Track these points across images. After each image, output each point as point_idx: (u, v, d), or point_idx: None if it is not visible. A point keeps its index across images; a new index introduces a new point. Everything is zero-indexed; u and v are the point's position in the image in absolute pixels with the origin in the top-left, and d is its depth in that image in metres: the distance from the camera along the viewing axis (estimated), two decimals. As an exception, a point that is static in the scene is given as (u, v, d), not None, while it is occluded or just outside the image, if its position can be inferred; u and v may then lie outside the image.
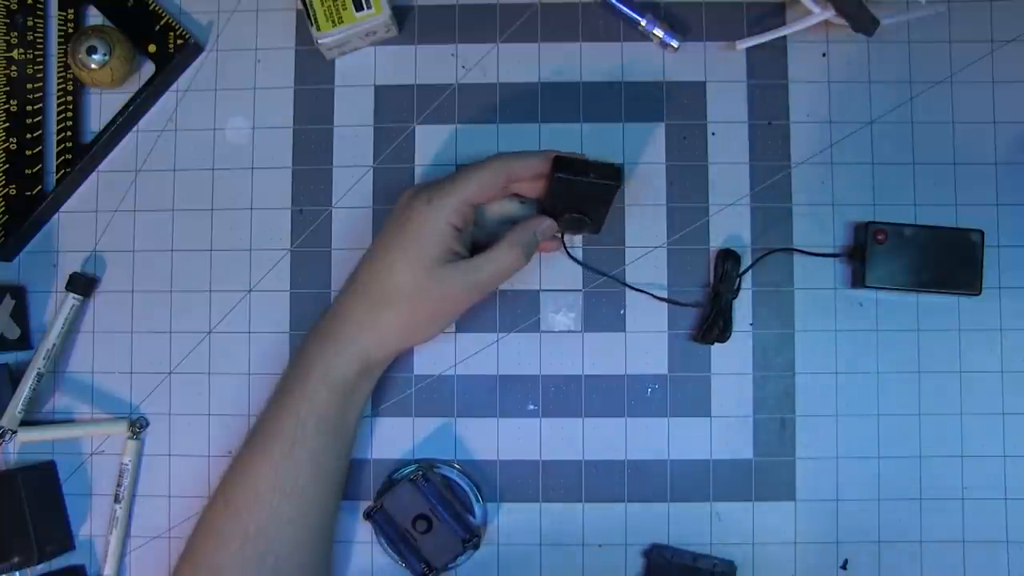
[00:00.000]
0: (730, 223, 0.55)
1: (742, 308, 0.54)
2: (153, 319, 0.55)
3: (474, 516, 0.53)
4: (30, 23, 0.56)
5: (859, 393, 0.54)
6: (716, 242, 0.55)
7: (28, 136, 0.55)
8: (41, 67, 0.56)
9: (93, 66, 0.52)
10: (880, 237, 0.52)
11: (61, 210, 0.56)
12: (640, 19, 0.54)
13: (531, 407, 0.54)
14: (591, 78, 0.56)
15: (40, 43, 0.56)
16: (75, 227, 0.56)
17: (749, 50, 0.55)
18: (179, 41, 0.55)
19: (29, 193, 0.55)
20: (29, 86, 0.55)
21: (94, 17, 0.56)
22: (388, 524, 0.51)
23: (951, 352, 0.54)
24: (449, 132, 0.56)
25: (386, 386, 0.54)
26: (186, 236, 0.56)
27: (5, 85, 0.55)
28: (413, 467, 0.53)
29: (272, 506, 0.47)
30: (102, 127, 0.55)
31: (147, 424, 0.55)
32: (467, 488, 0.53)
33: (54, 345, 0.54)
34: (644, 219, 0.55)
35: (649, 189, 0.55)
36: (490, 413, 0.54)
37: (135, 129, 0.56)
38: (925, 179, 0.55)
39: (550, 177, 0.48)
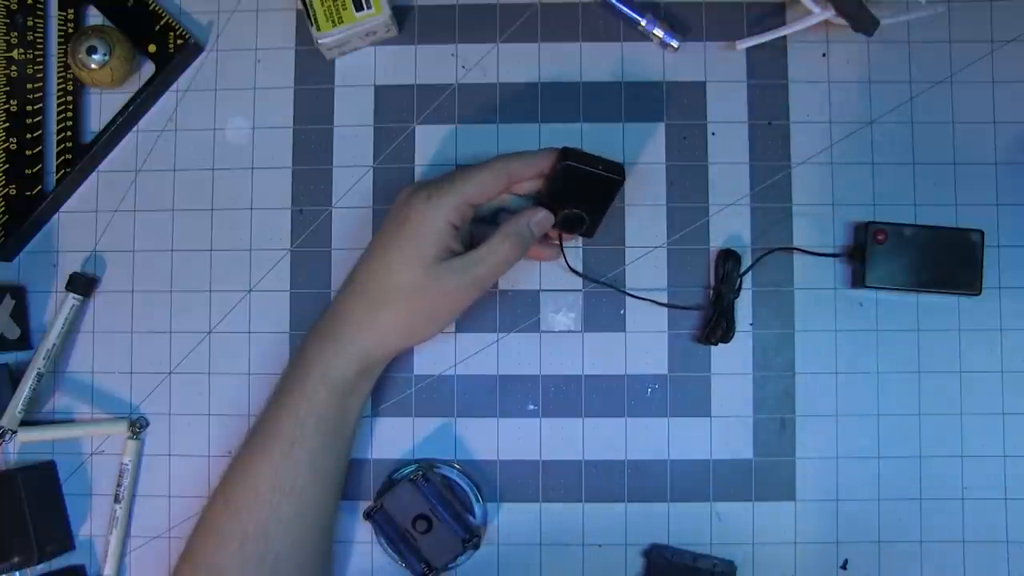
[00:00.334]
0: (730, 223, 0.55)
1: (742, 308, 0.54)
2: (153, 319, 0.55)
3: (474, 516, 0.53)
4: (30, 23, 0.56)
5: (859, 393, 0.54)
6: (716, 242, 0.55)
7: (28, 136, 0.55)
8: (41, 67, 0.56)
9: (93, 66, 0.52)
10: (880, 237, 0.52)
11: (61, 210, 0.56)
12: (640, 19, 0.54)
13: (531, 407, 0.54)
14: (591, 78, 0.56)
15: (40, 43, 0.56)
16: (75, 227, 0.56)
17: (749, 50, 0.55)
18: (179, 41, 0.55)
19: (29, 193, 0.55)
20: (29, 86, 0.55)
21: (94, 17, 0.56)
22: (388, 524, 0.51)
23: (951, 352, 0.54)
24: (449, 132, 0.56)
25: (386, 386, 0.54)
26: (186, 236, 0.56)
27: (5, 85, 0.55)
28: (413, 467, 0.53)
29: (272, 506, 0.47)
30: (102, 127, 0.55)
31: (147, 424, 0.55)
32: (467, 488, 0.53)
33: (54, 345, 0.54)
34: (644, 219, 0.55)
35: (649, 189, 0.55)
36: (490, 413, 0.54)
37: (135, 129, 0.56)
38: (925, 179, 0.55)
39: (555, 167, 0.48)
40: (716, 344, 0.53)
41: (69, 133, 0.55)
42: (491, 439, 0.54)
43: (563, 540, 0.54)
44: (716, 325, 0.53)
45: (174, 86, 0.56)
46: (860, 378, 0.54)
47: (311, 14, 0.53)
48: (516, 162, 0.48)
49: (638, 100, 0.55)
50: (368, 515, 0.51)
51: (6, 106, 0.55)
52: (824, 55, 0.55)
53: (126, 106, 0.55)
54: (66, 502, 0.54)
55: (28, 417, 0.54)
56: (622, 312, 0.55)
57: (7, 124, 0.55)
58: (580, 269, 0.54)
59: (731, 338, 0.53)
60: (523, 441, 0.54)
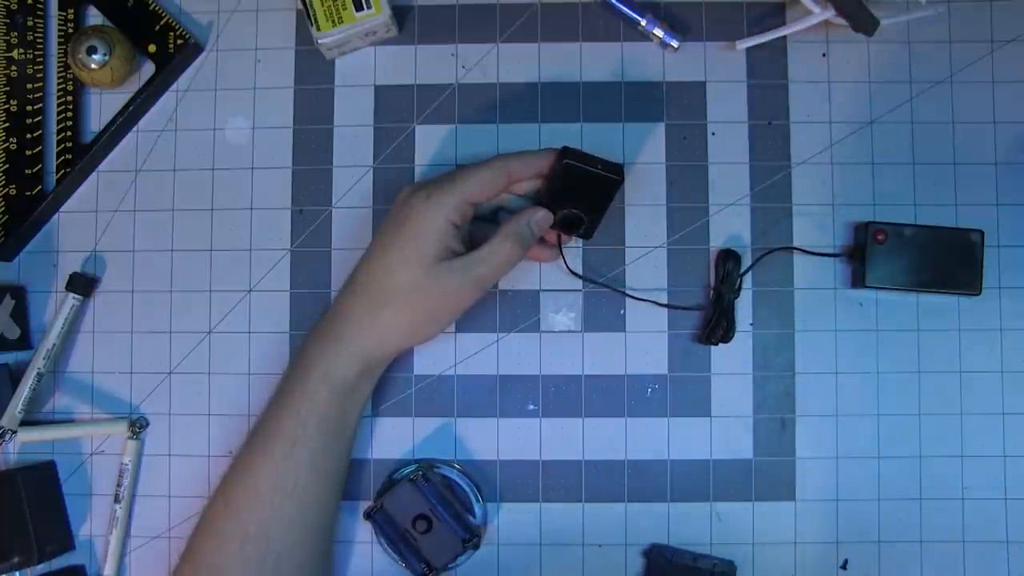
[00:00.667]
0: (730, 223, 0.55)
1: (742, 308, 0.54)
2: (153, 319, 0.55)
3: (474, 516, 0.53)
4: (30, 23, 0.56)
5: (859, 393, 0.54)
6: (716, 242, 0.55)
7: (28, 136, 0.55)
8: (41, 67, 0.56)
9: (93, 66, 0.52)
10: (880, 237, 0.52)
11: (61, 210, 0.56)
12: (640, 19, 0.54)
13: (531, 407, 0.54)
14: (591, 78, 0.56)
15: (40, 43, 0.56)
16: (75, 227, 0.56)
17: (749, 50, 0.55)
18: (179, 41, 0.55)
19: (29, 193, 0.55)
20: (29, 86, 0.55)
21: (94, 17, 0.56)
22: (388, 524, 0.51)
23: (951, 352, 0.54)
24: (449, 132, 0.56)
25: (386, 386, 0.54)
26: (186, 236, 0.56)
27: (5, 85, 0.55)
28: (413, 467, 0.53)
29: (272, 506, 0.47)
30: (102, 127, 0.55)
31: (147, 424, 0.55)
32: (467, 488, 0.53)
33: (54, 345, 0.54)
34: (644, 219, 0.55)
35: (649, 189, 0.55)
36: (490, 413, 0.54)
37: (135, 129, 0.56)
38: (925, 179, 0.55)
39: (555, 166, 0.48)
40: (716, 344, 0.53)
41: (69, 133, 0.55)
42: (491, 439, 0.54)
43: (563, 540, 0.54)
44: (716, 325, 0.53)
45: (174, 86, 0.56)
46: (860, 378, 0.54)
47: (311, 14, 0.53)
48: (516, 161, 0.48)
49: (638, 100, 0.55)
50: (368, 515, 0.51)
51: (6, 106, 0.55)
52: (824, 55, 0.55)
53: (126, 106, 0.55)
54: (66, 502, 0.54)
55: (28, 417, 0.54)
56: (622, 312, 0.55)
57: (7, 124, 0.55)
58: (580, 269, 0.54)
59: (731, 338, 0.53)
60: (523, 441, 0.54)
